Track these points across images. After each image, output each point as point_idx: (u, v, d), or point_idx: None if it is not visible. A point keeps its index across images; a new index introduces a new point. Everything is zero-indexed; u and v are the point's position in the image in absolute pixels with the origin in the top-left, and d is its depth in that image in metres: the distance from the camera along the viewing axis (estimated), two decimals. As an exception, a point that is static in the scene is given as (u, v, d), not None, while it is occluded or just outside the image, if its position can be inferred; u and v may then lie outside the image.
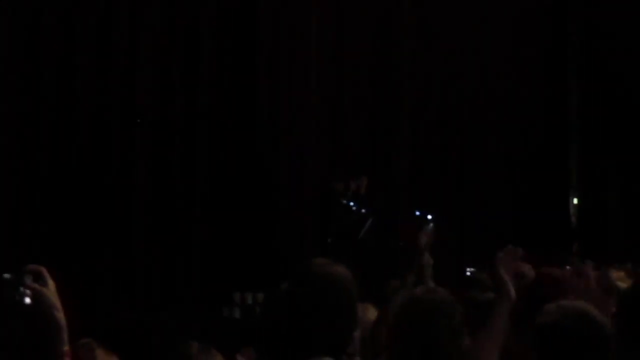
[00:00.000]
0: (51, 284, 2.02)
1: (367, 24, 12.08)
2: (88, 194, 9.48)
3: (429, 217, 11.52)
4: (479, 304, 3.80)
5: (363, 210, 10.21)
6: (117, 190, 9.72)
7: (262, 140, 10.78)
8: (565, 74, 14.22)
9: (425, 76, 12.66)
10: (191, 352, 2.58)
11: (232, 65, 10.64)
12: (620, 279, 4.28)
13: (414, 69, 12.51)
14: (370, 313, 3.41)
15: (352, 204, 10.26)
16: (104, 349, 3.33)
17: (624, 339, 2.61)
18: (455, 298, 2.83)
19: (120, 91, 9.95)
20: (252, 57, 10.83)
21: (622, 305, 2.84)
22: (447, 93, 12.85)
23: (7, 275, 1.98)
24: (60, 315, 1.99)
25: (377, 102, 12.12)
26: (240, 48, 10.70)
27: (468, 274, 7.80)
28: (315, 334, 2.27)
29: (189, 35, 10.46)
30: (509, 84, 13.47)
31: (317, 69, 11.43)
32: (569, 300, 2.57)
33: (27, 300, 1.95)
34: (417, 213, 11.05)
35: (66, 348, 1.99)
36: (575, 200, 14.20)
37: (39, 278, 2.01)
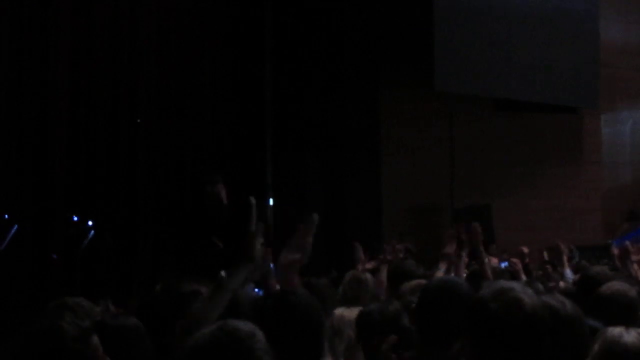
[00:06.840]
0: None
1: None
2: None
3: (90, 223, 10.60)
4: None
5: (6, 216, 8.82)
6: None
7: None
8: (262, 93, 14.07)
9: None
10: None
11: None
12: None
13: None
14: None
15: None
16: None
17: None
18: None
19: None
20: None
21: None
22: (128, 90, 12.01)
23: None
24: None
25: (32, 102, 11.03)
26: None
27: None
28: None
29: None
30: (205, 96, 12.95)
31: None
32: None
33: None
34: (75, 218, 10.06)
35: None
36: (271, 201, 14.11)
37: None
